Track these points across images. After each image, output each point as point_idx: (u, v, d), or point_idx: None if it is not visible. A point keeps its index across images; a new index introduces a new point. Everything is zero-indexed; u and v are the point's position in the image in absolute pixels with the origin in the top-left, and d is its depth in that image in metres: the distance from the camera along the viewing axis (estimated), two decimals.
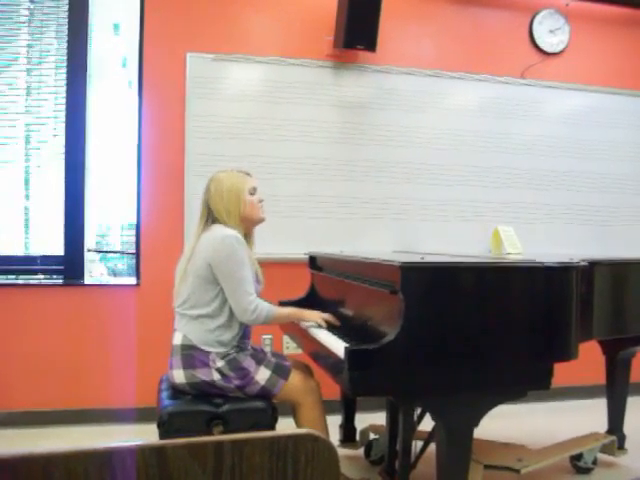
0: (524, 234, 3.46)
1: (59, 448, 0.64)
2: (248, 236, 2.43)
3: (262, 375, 2.24)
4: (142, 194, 3.59)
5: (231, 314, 2.27)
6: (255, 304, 2.23)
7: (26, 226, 3.66)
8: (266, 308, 2.26)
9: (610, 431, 2.92)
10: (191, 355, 2.23)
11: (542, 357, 1.84)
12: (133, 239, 3.69)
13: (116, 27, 3.92)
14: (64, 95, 3.60)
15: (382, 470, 2.57)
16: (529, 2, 4.12)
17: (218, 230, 2.30)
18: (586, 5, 4.18)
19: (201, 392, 2.22)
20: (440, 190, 3.94)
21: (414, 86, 3.91)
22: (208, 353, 2.22)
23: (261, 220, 2.46)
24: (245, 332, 2.36)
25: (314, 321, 2.35)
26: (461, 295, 1.80)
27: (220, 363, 2.21)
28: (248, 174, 2.45)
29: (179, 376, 2.23)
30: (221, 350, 2.24)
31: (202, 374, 2.20)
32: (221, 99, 3.64)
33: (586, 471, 2.81)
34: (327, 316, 2.34)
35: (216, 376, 2.20)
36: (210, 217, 2.37)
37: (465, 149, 3.98)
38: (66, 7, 3.58)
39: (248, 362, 2.25)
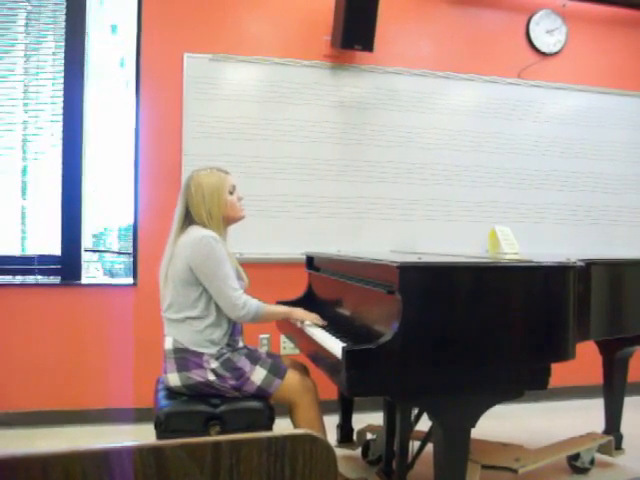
0: (521, 234, 3.47)
1: (57, 448, 0.64)
2: (223, 235, 2.39)
3: (258, 375, 2.24)
4: (139, 194, 3.59)
5: (219, 313, 2.27)
6: (243, 299, 2.23)
7: (23, 226, 3.66)
8: (255, 304, 2.26)
9: (607, 431, 2.93)
10: (184, 358, 2.22)
11: (539, 357, 1.84)
12: (130, 239, 3.69)
13: (114, 28, 3.92)
14: (62, 95, 3.59)
15: (379, 470, 2.57)
16: (526, 3, 4.13)
17: (195, 232, 2.29)
18: (583, 5, 4.19)
19: (198, 393, 2.22)
20: (437, 190, 3.94)
21: (411, 86, 3.91)
22: (201, 354, 2.22)
23: (241, 218, 2.45)
24: (235, 329, 2.35)
25: (302, 319, 2.39)
26: (458, 295, 1.80)
27: (214, 364, 2.21)
28: (226, 172, 2.44)
29: (174, 379, 2.23)
30: (213, 350, 2.23)
31: (197, 375, 2.20)
32: (219, 100, 3.63)
33: (583, 471, 2.81)
34: (314, 316, 2.37)
35: (211, 377, 2.19)
36: (188, 218, 2.36)
37: (462, 149, 3.98)
38: (64, 8, 3.57)
39: (243, 362, 2.25)
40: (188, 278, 2.24)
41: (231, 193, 2.40)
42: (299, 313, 2.42)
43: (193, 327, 2.25)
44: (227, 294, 2.22)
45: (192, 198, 2.34)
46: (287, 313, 2.44)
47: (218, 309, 2.27)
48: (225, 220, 2.38)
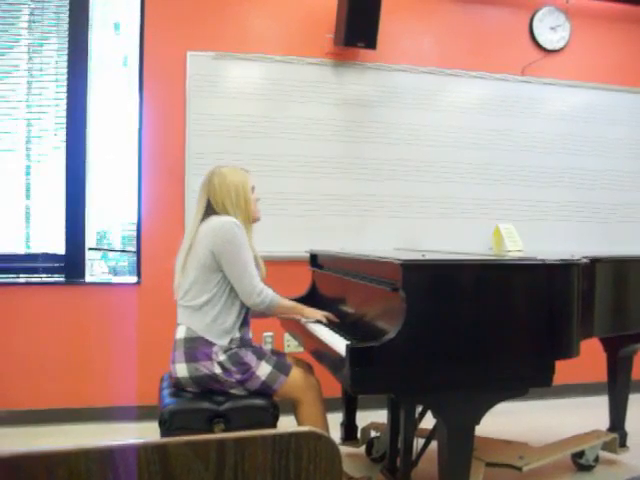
0: (525, 231, 3.46)
1: (61, 446, 0.64)
2: (247, 230, 2.41)
3: (263, 370, 2.25)
4: (143, 192, 3.59)
5: (229, 298, 2.29)
6: (261, 287, 2.27)
7: (27, 224, 3.66)
8: (271, 293, 2.29)
9: (612, 429, 2.92)
10: (194, 348, 2.24)
11: (543, 354, 1.84)
12: (134, 237, 3.69)
13: (117, 26, 3.92)
14: (65, 93, 3.59)
15: (384, 468, 2.57)
16: None
17: (216, 219, 2.32)
18: (586, 2, 4.17)
19: (203, 386, 2.23)
20: (441, 187, 3.93)
21: (415, 84, 3.91)
22: (211, 345, 2.23)
23: (257, 219, 2.49)
24: (245, 318, 2.36)
25: (314, 318, 2.38)
26: (462, 293, 1.80)
27: (222, 357, 2.22)
28: (247, 171, 2.46)
29: (181, 370, 2.23)
30: (224, 342, 2.24)
31: (204, 367, 2.21)
32: (221, 97, 3.63)
33: (588, 469, 2.81)
34: (326, 314, 2.38)
35: (218, 369, 2.20)
36: (209, 211, 2.38)
37: (466, 146, 3.98)
38: (67, 6, 3.57)
39: (249, 357, 2.25)
40: (210, 264, 2.26)
41: (252, 192, 2.43)
42: (310, 312, 2.41)
43: (207, 315, 2.26)
44: (246, 280, 2.25)
45: (215, 192, 2.36)
46: (299, 311, 2.43)
47: (229, 295, 2.28)
48: (250, 218, 2.41)
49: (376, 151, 3.84)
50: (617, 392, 2.91)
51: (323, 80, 3.78)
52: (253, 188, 2.45)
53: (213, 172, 2.42)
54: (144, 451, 0.67)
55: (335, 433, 2.82)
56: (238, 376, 2.22)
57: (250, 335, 2.40)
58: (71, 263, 3.61)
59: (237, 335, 2.30)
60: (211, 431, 2.12)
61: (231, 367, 2.22)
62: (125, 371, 3.47)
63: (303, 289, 2.98)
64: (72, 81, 3.59)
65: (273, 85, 3.72)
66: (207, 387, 2.23)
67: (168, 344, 2.35)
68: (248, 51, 3.68)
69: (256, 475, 0.70)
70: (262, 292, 2.26)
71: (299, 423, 2.33)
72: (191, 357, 2.23)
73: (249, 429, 0.73)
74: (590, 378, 3.78)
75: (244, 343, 2.33)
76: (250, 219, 2.41)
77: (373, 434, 2.98)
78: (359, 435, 2.98)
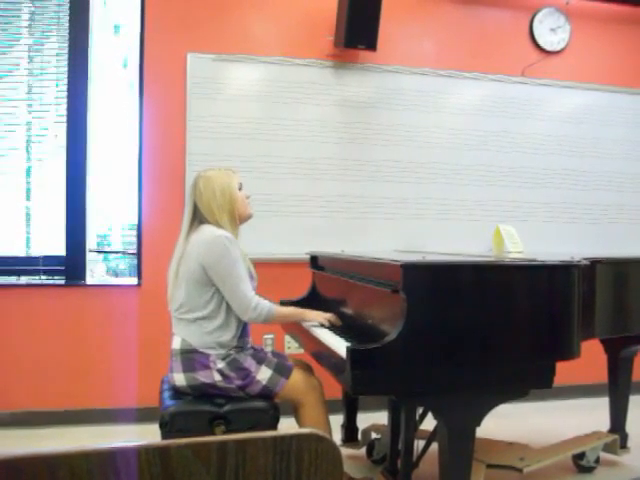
0: (526, 232, 3.46)
1: (63, 448, 0.64)
2: (235, 234, 2.37)
3: (263, 374, 2.24)
4: (143, 194, 3.59)
5: (228, 314, 2.26)
6: (256, 301, 2.23)
7: (27, 226, 3.67)
8: (267, 306, 2.25)
9: (612, 430, 2.92)
10: (191, 358, 2.22)
11: (544, 356, 1.84)
12: (134, 239, 3.69)
13: (117, 28, 3.93)
14: (65, 96, 3.60)
15: (384, 469, 2.57)
16: (529, 1, 4.12)
17: (207, 231, 2.27)
18: (586, 3, 4.17)
19: (202, 394, 2.22)
20: (441, 189, 3.93)
21: (415, 85, 3.91)
22: (208, 355, 2.21)
23: (250, 216, 2.45)
24: (244, 330, 2.34)
25: (316, 321, 2.35)
26: (463, 294, 1.80)
27: (221, 364, 2.21)
28: (233, 171, 2.44)
29: (180, 379, 2.22)
30: (221, 352, 2.23)
31: (203, 376, 2.19)
32: (222, 99, 3.64)
33: (589, 470, 2.81)
34: (329, 316, 2.35)
35: (217, 377, 2.19)
36: (197, 217, 2.35)
37: (466, 148, 3.98)
38: (67, 8, 3.58)
39: (249, 362, 2.24)
40: (201, 278, 2.23)
41: (239, 190, 2.40)
42: (313, 314, 2.38)
43: (202, 328, 2.24)
44: (240, 295, 2.22)
45: (201, 196, 2.33)
46: (300, 315, 2.41)
47: (227, 311, 2.26)
48: (237, 218, 2.37)
49: (377, 153, 3.84)
50: (618, 393, 2.91)
51: (323, 81, 3.78)
52: (240, 185, 2.40)
53: (199, 176, 2.39)
54: (145, 453, 0.67)
55: (336, 435, 2.81)
56: (238, 382, 2.20)
57: (249, 345, 2.38)
58: (72, 265, 3.61)
59: (234, 345, 2.28)
60: (212, 433, 2.12)
61: (230, 373, 2.20)
62: (126, 373, 3.47)
63: (303, 291, 2.97)
64: (72, 82, 3.59)
65: (273, 87, 3.72)
66: (206, 394, 2.21)
67: (168, 346, 2.35)
68: (248, 53, 3.68)
69: (257, 477, 0.70)
70: (257, 306, 2.22)
71: (301, 425, 2.31)
72: (189, 367, 2.21)
73: (250, 431, 0.73)
74: (591, 379, 3.78)
75: (242, 348, 2.31)
76: (237, 219, 2.37)
77: (374, 436, 2.98)
78: (360, 437, 2.98)
